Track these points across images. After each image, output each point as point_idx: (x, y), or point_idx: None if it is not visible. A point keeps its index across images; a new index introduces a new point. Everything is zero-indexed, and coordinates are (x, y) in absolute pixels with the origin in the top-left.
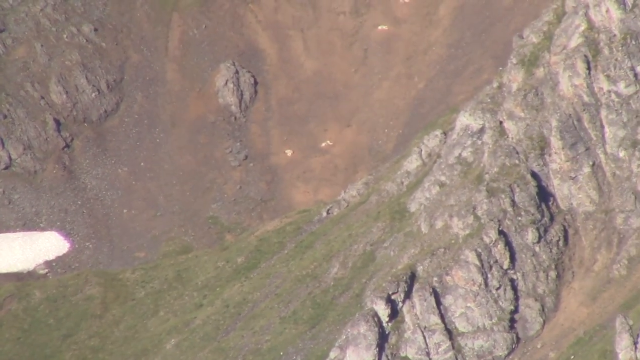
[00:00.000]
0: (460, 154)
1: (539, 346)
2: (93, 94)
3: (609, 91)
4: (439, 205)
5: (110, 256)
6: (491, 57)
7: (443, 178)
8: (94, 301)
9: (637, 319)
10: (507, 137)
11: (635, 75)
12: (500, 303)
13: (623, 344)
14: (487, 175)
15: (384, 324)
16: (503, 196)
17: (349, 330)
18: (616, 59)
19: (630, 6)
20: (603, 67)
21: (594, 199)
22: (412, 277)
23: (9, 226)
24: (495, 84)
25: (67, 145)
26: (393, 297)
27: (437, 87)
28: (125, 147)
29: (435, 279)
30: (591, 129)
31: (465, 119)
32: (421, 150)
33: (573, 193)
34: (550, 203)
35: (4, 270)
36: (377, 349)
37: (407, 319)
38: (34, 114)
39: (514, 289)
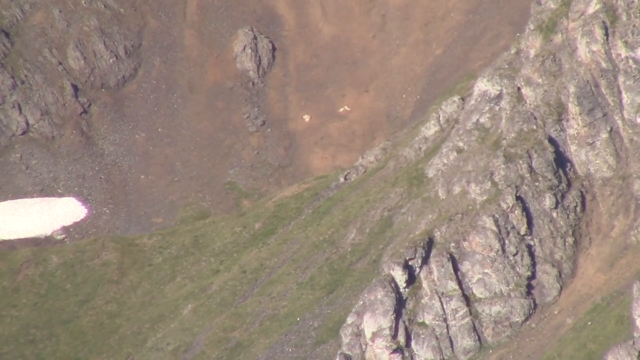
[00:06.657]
0: (477, 120)
1: (556, 312)
2: (111, 60)
3: (627, 57)
4: (456, 171)
5: (127, 222)
6: (509, 24)
7: (461, 144)
8: (111, 267)
9: None
10: (525, 103)
11: None
12: (518, 269)
13: None
14: (504, 141)
15: (401, 290)
16: (520, 162)
17: (366, 296)
18: (634, 25)
19: None
20: (621, 34)
21: (612, 164)
22: (430, 243)
23: (27, 192)
24: (513, 50)
25: (85, 111)
26: (410, 263)
27: (455, 53)
28: (143, 113)
29: (452, 244)
30: (609, 95)
31: (483, 85)
32: (439, 116)
33: (590, 159)
34: (567, 169)
35: (21, 236)
36: (394, 314)
37: (425, 284)
38: (51, 79)
39: (531, 255)
